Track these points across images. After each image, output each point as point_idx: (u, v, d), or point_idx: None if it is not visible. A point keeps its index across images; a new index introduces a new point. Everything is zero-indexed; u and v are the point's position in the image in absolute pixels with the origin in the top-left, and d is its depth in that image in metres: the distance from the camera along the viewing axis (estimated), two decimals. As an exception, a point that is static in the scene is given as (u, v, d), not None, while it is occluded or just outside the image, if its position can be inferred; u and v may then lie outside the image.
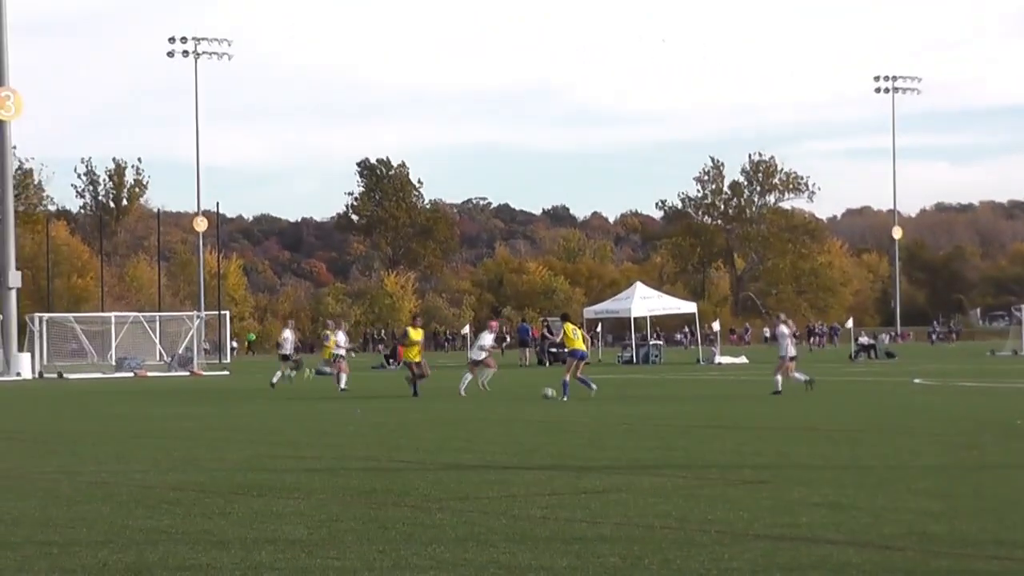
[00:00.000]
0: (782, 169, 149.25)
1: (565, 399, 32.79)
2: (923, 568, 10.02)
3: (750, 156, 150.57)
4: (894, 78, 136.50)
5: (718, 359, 68.58)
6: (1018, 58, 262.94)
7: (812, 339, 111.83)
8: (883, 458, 18.33)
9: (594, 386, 33.86)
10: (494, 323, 48.25)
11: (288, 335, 48.21)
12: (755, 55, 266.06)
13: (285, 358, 47.11)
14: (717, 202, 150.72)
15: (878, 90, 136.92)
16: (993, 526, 11.86)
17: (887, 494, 14.05)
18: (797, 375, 35.35)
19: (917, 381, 43.57)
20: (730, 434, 23.07)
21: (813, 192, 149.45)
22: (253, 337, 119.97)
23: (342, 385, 40.26)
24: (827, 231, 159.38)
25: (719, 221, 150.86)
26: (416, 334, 37.59)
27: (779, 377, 34.72)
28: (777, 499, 13.91)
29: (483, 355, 38.70)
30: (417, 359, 37.08)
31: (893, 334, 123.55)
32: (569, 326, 34.89)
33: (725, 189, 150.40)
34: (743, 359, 71.64)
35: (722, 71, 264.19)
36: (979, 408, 29.38)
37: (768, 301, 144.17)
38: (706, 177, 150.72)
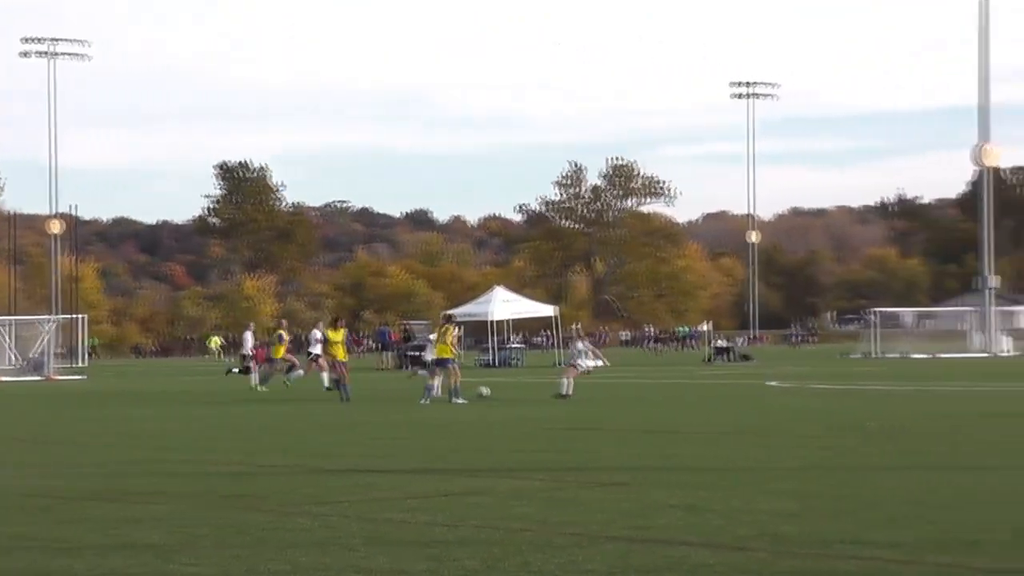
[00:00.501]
0: (641, 174, 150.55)
1: (461, 401, 32.73)
2: (775, 568, 10.14)
3: (610, 160, 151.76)
4: (751, 84, 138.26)
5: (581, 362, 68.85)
6: (872, 66, 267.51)
7: (670, 343, 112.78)
8: (738, 460, 18.55)
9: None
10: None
11: (248, 336, 48.11)
12: (615, 60, 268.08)
13: (244, 358, 47.56)
14: (577, 206, 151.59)
15: (736, 96, 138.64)
16: (846, 526, 12.05)
17: (742, 495, 14.22)
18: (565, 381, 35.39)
19: (772, 383, 44.15)
20: (588, 436, 23.22)
21: (672, 196, 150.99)
22: (96, 341, 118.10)
23: (325, 383, 39.76)
24: (685, 235, 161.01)
25: (579, 225, 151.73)
26: (336, 335, 37.74)
27: (566, 380, 35.02)
28: (634, 501, 14.02)
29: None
30: (343, 358, 37.23)
31: (749, 337, 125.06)
32: (450, 329, 34.51)
33: (585, 193, 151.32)
34: (602, 362, 72.03)
35: (583, 76, 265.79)
36: (832, 410, 29.84)
37: (627, 305, 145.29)
38: (566, 181, 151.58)
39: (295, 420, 28.55)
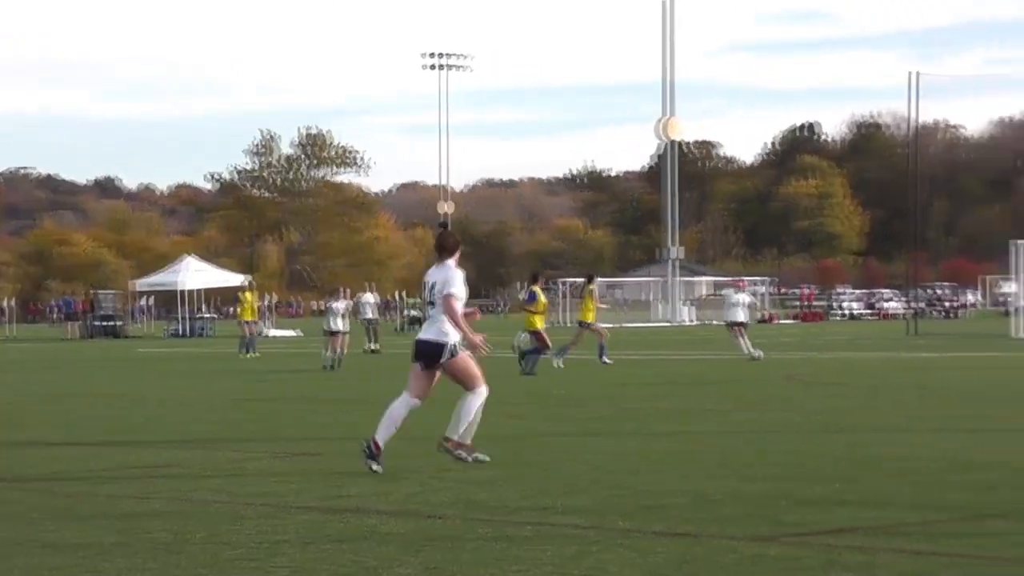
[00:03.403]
0: (334, 143, 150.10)
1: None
2: (467, 535, 10.30)
3: (302, 130, 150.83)
4: (444, 55, 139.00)
5: (270, 332, 68.55)
6: (561, 39, 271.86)
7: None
8: (431, 429, 18.72)
9: None
10: None
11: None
12: (308, 28, 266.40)
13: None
14: (269, 175, 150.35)
15: (428, 67, 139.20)
16: (534, 492, 12.31)
17: (433, 464, 14.38)
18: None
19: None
20: (284, 407, 23.17)
21: (365, 166, 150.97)
22: None
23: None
24: (378, 205, 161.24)
25: (272, 194, 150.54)
26: (251, 295, 43.62)
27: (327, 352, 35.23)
28: (327, 471, 14.06)
29: None
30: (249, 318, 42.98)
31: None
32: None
33: (277, 162, 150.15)
34: (297, 332, 71.82)
35: (275, 44, 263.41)
36: (522, 379, 30.33)
37: (320, 275, 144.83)
38: (258, 150, 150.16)
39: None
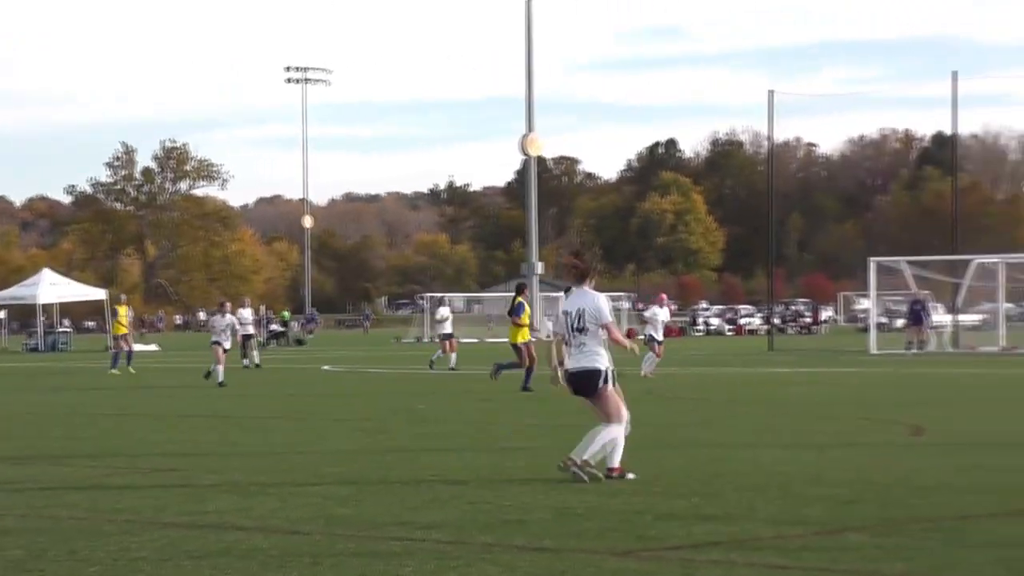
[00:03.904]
0: (195, 156, 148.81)
1: None
2: (329, 551, 10.27)
3: (162, 143, 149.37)
4: (305, 69, 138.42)
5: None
6: (424, 54, 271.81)
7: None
8: (292, 444, 18.66)
9: None
10: None
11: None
12: (169, 40, 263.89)
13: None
14: (128, 188, 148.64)
15: (290, 80, 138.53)
16: (396, 508, 12.29)
17: (295, 479, 14.32)
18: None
19: (326, 368, 44.47)
20: (140, 423, 22.91)
21: (225, 180, 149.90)
22: None
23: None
24: (239, 219, 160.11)
25: (130, 207, 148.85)
26: (123, 309, 42.87)
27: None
28: (187, 486, 13.93)
29: None
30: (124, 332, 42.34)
31: (303, 321, 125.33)
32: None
33: (137, 175, 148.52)
34: (154, 347, 71.07)
35: (137, 55, 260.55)
36: (385, 393, 30.29)
37: (180, 288, 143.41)
38: (117, 162, 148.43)
39: None
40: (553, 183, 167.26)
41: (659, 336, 36.48)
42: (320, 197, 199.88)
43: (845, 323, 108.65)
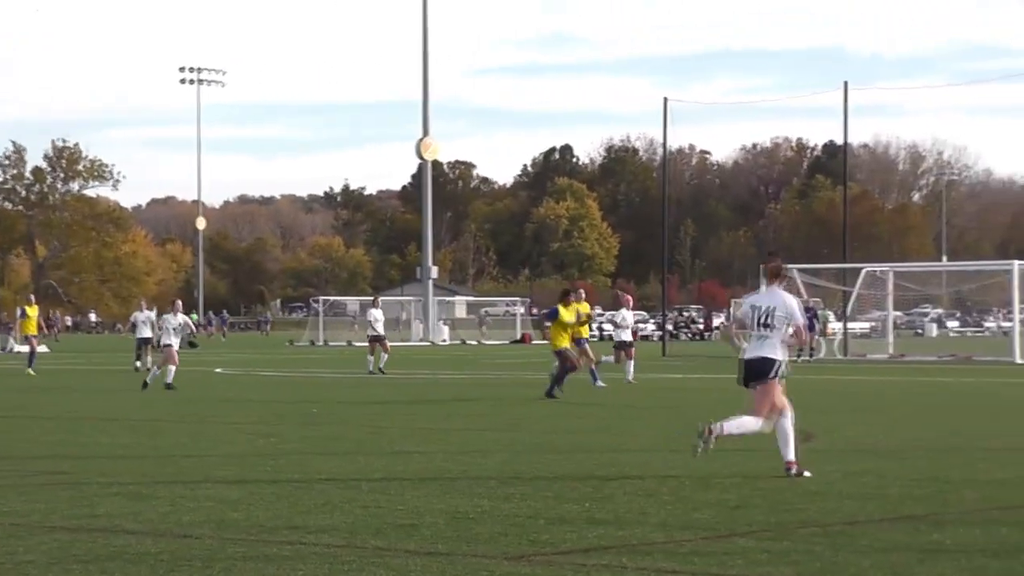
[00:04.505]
0: (86, 156, 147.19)
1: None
2: (220, 555, 10.22)
3: (53, 142, 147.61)
4: (199, 69, 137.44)
5: (15, 347, 66.91)
6: (320, 57, 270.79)
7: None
8: (183, 447, 18.53)
9: None
10: None
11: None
12: (61, 39, 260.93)
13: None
14: (18, 188, 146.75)
15: (184, 81, 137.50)
16: (287, 511, 12.26)
17: (186, 483, 14.22)
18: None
19: (219, 371, 44.18)
20: (29, 424, 22.64)
21: (118, 181, 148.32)
22: None
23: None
24: (132, 220, 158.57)
25: (20, 207, 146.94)
26: (33, 310, 42.41)
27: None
28: (76, 490, 13.79)
29: None
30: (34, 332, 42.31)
31: (197, 324, 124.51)
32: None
33: (27, 175, 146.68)
34: (43, 348, 70.21)
35: (28, 53, 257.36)
36: (278, 396, 30.15)
37: (70, 290, 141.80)
38: (7, 162, 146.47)
39: None
40: (449, 188, 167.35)
41: (627, 337, 36.36)
42: (214, 199, 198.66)
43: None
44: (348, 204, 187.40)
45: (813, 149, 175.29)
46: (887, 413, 25.13)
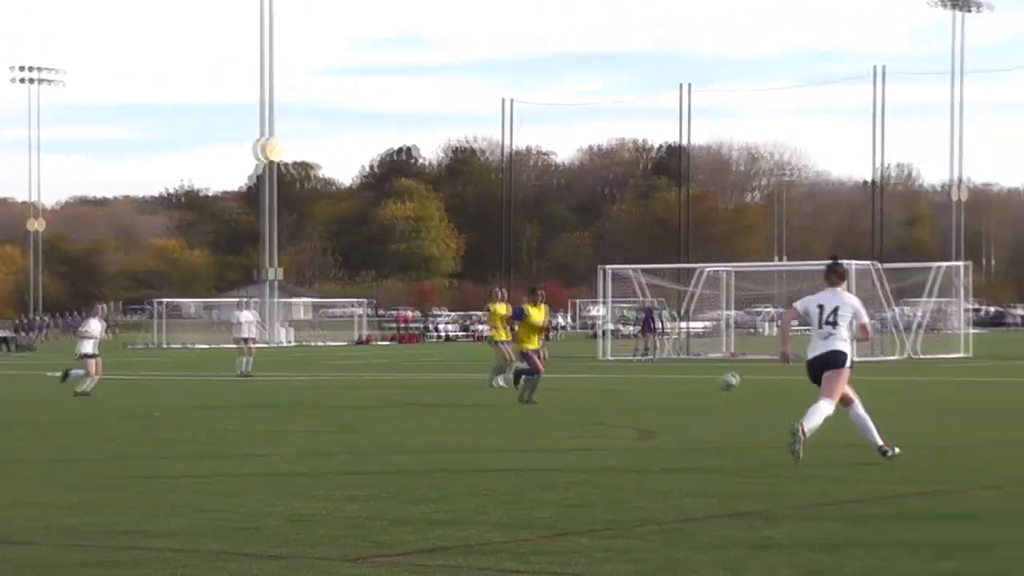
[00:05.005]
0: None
1: None
2: (57, 562, 10.10)
3: None
4: (35, 68, 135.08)
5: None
6: (159, 57, 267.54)
7: None
8: (18, 452, 18.25)
9: None
10: None
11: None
12: None
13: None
14: None
15: (18, 80, 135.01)
16: (127, 516, 12.14)
17: (20, 488, 14.02)
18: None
19: (50, 374, 43.47)
20: None
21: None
22: None
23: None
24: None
25: None
26: None
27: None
28: (-92, 498, 13.52)
29: None
30: None
31: (32, 329, 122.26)
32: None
33: None
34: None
35: None
36: (119, 400, 29.77)
37: None
38: None
39: None
40: (290, 188, 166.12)
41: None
42: (49, 199, 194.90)
43: (578, 329, 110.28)
44: (188, 205, 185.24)
45: (653, 150, 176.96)
46: (723, 411, 25.52)
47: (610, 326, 60.00)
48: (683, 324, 61.23)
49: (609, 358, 53.35)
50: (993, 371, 42.24)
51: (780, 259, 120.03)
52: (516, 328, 28.20)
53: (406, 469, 15.80)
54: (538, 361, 27.51)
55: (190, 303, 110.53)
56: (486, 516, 12.03)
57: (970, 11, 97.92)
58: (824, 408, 15.57)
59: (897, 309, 59.12)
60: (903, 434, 17.59)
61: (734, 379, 31.38)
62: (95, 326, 32.32)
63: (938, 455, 16.35)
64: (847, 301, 16.01)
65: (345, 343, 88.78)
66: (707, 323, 70.17)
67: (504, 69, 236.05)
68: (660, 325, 55.53)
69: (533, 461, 16.63)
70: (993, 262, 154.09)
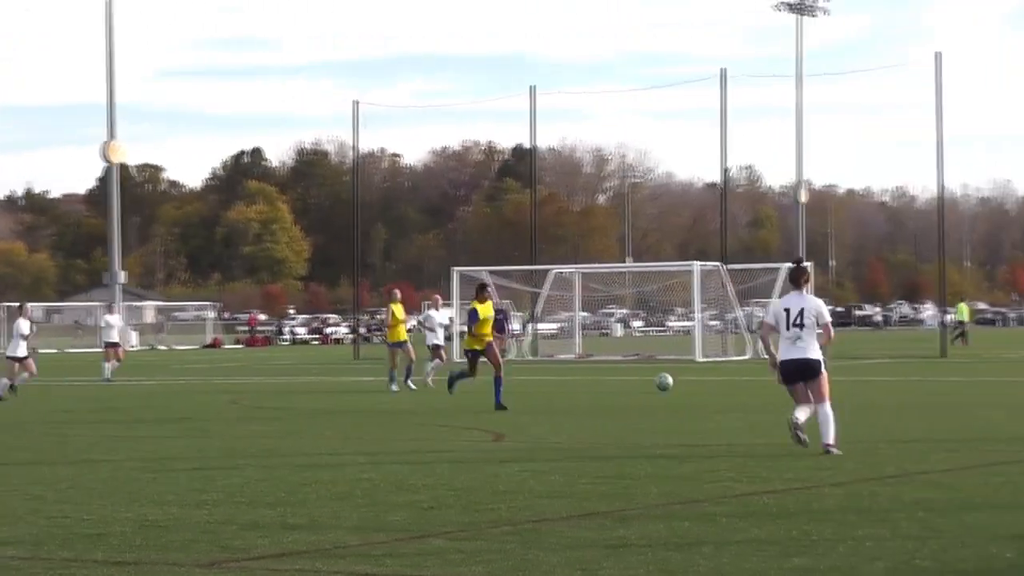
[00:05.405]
0: None
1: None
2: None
3: None
4: None
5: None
6: (5, 56, 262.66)
7: None
8: None
9: None
10: None
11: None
12: None
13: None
14: None
15: None
16: (-31, 525, 11.92)
17: None
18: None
19: None
20: None
21: None
22: None
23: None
24: None
25: None
26: None
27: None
28: None
29: None
30: None
31: None
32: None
33: None
34: None
35: None
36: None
37: None
38: None
39: None
40: (136, 191, 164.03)
41: (440, 340, 36.07)
42: None
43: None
44: (31, 208, 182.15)
45: (502, 152, 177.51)
46: (574, 412, 25.65)
47: (463, 328, 60.01)
48: (532, 326, 61.49)
49: (460, 360, 53.36)
50: (841, 371, 42.88)
51: (629, 260, 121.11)
52: (472, 330, 27.54)
53: (257, 473, 15.68)
54: (475, 368, 27.36)
55: (36, 307, 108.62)
56: (340, 520, 11.97)
57: (814, 15, 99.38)
58: (828, 412, 16.58)
59: (745, 310, 59.95)
60: (751, 433, 17.78)
61: (669, 380, 31.84)
62: (25, 326, 31.99)
63: (787, 454, 16.57)
64: (811, 303, 16.82)
65: (194, 347, 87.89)
66: (557, 325, 70.57)
67: (350, 71, 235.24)
68: (511, 327, 55.70)
69: (384, 464, 16.59)
70: (834, 262, 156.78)
